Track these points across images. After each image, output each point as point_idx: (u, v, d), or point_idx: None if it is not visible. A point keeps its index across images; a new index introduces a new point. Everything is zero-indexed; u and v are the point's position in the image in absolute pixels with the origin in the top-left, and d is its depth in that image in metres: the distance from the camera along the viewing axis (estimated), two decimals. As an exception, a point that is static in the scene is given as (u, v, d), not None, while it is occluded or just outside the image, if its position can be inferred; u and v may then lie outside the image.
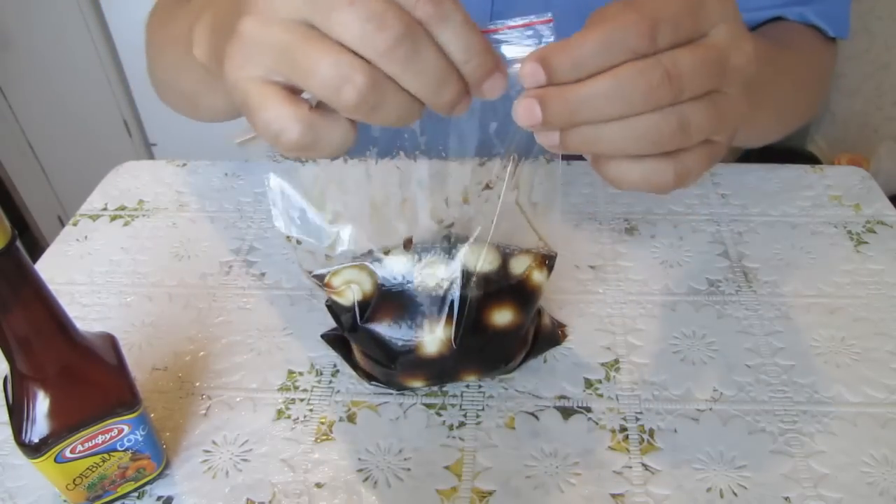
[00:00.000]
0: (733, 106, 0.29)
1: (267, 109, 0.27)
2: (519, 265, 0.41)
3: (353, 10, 0.25)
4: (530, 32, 0.30)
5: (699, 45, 0.28)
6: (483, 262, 0.40)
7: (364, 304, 0.40)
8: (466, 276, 0.39)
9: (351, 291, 0.40)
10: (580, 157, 0.59)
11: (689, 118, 0.28)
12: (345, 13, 0.25)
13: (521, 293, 0.41)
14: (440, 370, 0.42)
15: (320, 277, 0.40)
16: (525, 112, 0.28)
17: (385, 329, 0.40)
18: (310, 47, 0.26)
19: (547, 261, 0.41)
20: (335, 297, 0.40)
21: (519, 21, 0.30)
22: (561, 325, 0.47)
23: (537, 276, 0.41)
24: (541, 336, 0.45)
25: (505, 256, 0.40)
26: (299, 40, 0.26)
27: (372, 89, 0.26)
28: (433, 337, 0.39)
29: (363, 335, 0.40)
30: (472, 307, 0.39)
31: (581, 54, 0.27)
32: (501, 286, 0.40)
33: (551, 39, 0.30)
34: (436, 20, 0.26)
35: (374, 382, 0.44)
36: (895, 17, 1.33)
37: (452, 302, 0.39)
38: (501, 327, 0.40)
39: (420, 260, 0.40)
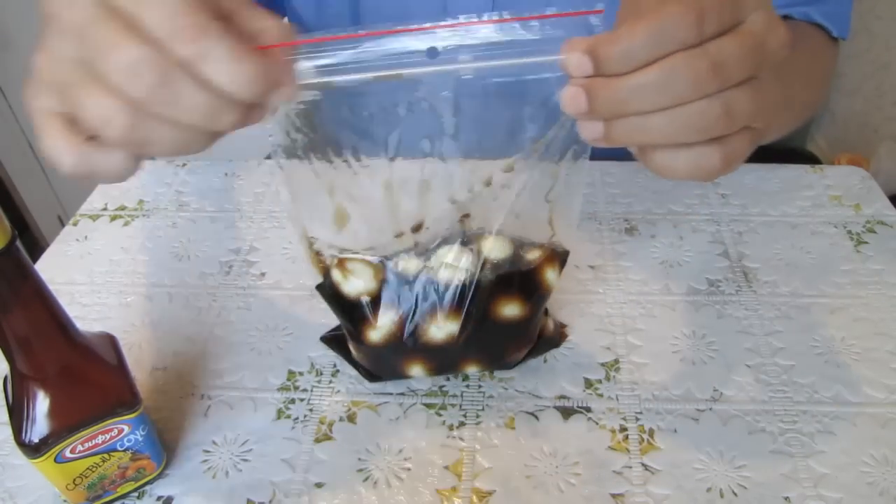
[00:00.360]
0: (771, 91, 0.30)
1: (46, 138, 0.29)
2: (531, 258, 0.40)
3: (113, 57, 0.26)
4: (579, 21, 0.30)
5: (740, 33, 0.28)
6: (496, 251, 0.40)
7: (372, 301, 0.40)
8: (479, 264, 0.39)
9: (361, 282, 0.40)
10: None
11: (733, 104, 0.28)
12: (107, 60, 0.26)
13: (531, 286, 0.41)
14: (442, 359, 0.42)
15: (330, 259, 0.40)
16: (572, 101, 0.28)
17: (391, 317, 0.40)
18: (80, 87, 0.27)
19: (559, 257, 0.41)
20: (341, 282, 0.40)
21: (568, 10, 0.30)
22: (562, 326, 0.47)
23: (549, 272, 0.41)
24: (544, 336, 0.45)
25: (517, 249, 0.40)
26: (75, 79, 0.27)
27: (133, 129, 0.27)
28: (439, 324, 0.40)
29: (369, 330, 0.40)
30: (482, 297, 0.39)
31: (631, 47, 0.27)
32: (512, 278, 0.40)
33: (600, 30, 0.30)
34: (195, 60, 0.26)
35: (374, 380, 0.44)
36: (895, 17, 1.33)
37: (463, 290, 0.39)
38: (509, 319, 0.40)
39: (429, 259, 0.39)
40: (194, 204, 0.60)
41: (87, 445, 0.35)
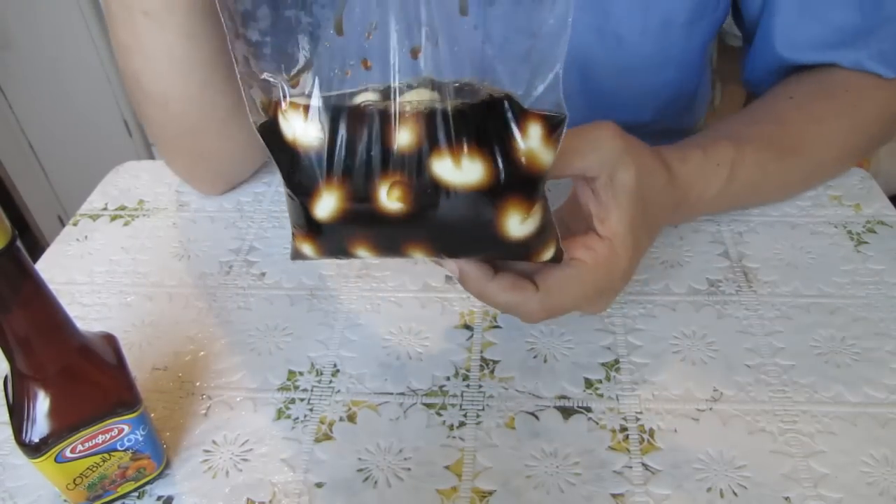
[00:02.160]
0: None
1: None
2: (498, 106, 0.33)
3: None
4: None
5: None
6: (463, 94, 0.32)
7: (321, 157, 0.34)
8: (446, 104, 0.32)
9: (311, 128, 0.33)
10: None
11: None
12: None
13: (500, 149, 0.33)
14: (385, 235, 0.36)
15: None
16: (451, 271, 0.40)
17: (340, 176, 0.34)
18: None
19: (550, 122, 0.33)
20: (290, 126, 0.34)
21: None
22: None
23: (534, 134, 0.33)
24: (544, 230, 0.36)
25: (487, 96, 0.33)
26: None
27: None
28: (381, 189, 0.34)
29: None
30: (434, 150, 0.33)
31: (484, 296, 0.40)
32: (478, 135, 0.32)
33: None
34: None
35: (305, 251, 0.38)
36: None
37: (413, 146, 0.33)
38: (468, 184, 0.33)
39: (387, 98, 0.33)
40: (194, 204, 0.60)
41: (87, 445, 0.35)
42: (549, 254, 0.37)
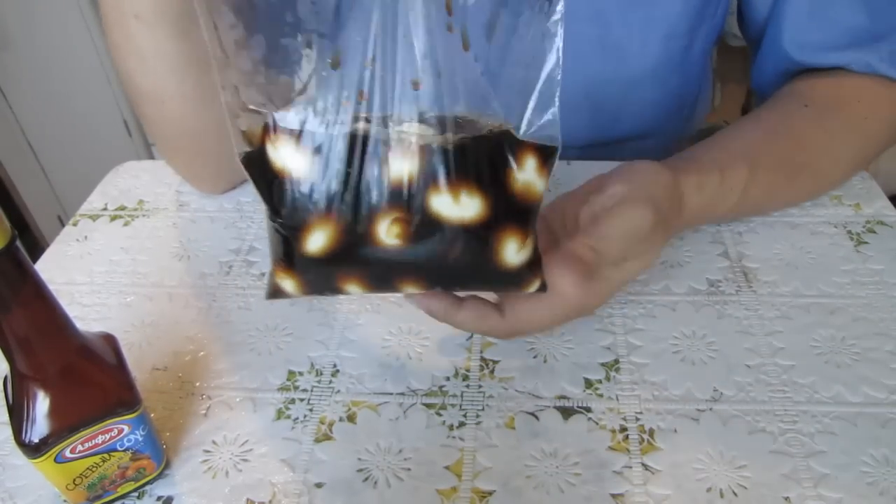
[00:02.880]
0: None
1: None
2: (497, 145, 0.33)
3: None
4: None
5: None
6: (459, 129, 0.32)
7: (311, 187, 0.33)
8: (434, 149, 0.32)
9: (302, 158, 0.33)
10: (580, 157, 0.59)
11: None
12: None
13: (497, 182, 0.33)
14: (379, 270, 0.35)
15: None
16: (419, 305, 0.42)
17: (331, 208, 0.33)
18: None
19: (543, 153, 0.33)
20: (280, 156, 0.33)
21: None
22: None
23: (529, 166, 0.33)
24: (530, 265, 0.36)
25: (481, 131, 0.33)
26: None
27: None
28: (379, 224, 0.33)
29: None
30: (432, 184, 0.32)
31: (453, 324, 0.42)
32: (473, 167, 0.32)
33: None
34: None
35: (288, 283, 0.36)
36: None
37: (412, 181, 0.32)
38: (464, 220, 0.33)
39: (384, 128, 0.32)
40: (194, 204, 0.60)
41: (87, 445, 0.35)
42: (536, 284, 0.37)
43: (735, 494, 0.38)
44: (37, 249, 1.62)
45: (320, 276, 0.36)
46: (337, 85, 0.32)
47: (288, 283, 0.36)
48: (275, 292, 0.37)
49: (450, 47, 0.31)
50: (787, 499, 0.37)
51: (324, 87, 0.32)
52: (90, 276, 0.54)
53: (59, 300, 0.33)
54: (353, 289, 0.36)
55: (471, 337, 0.47)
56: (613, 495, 0.38)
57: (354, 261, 0.35)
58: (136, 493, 0.40)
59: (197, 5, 0.31)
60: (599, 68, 0.59)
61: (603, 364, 0.45)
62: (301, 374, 0.45)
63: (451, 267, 0.35)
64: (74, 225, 0.59)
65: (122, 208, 0.61)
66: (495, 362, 0.45)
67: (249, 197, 0.61)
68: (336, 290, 0.37)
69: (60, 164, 1.64)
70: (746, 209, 0.53)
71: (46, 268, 0.55)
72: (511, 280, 0.36)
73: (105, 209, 0.61)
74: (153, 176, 0.64)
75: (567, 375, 0.44)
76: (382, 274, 0.36)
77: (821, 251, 0.52)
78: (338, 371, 0.45)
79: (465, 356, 0.46)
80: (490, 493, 0.38)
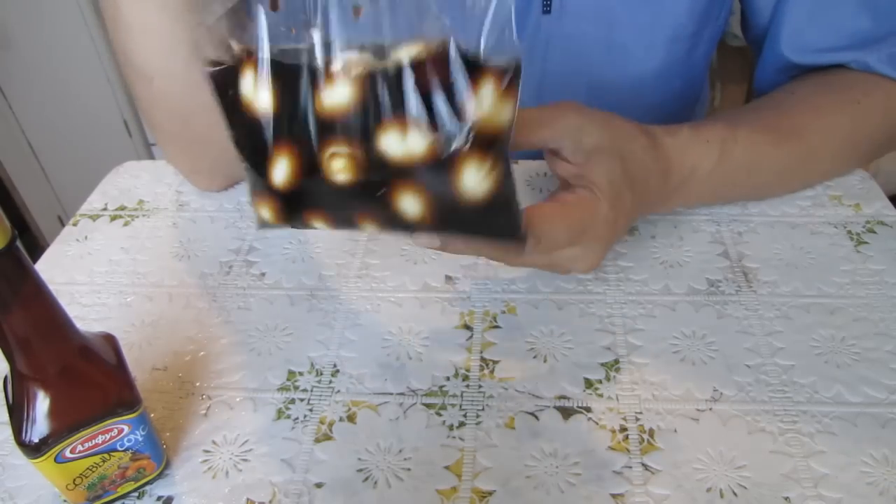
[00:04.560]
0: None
1: None
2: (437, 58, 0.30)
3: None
4: None
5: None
6: (416, 51, 0.30)
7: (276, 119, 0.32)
8: (390, 72, 0.30)
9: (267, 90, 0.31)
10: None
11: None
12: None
13: (451, 98, 0.30)
14: (336, 206, 0.34)
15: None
16: (426, 243, 0.38)
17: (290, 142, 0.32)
18: None
19: (504, 73, 0.30)
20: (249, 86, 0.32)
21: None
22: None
23: (486, 90, 0.30)
24: (495, 205, 0.33)
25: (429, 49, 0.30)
26: None
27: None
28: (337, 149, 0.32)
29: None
30: (378, 115, 0.31)
31: (473, 249, 0.41)
32: (423, 83, 0.30)
33: None
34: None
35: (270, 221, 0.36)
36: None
37: (371, 108, 0.30)
38: (419, 149, 0.31)
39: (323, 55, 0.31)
40: (194, 204, 0.60)
41: (87, 445, 0.35)
42: (511, 229, 0.35)
43: (735, 494, 0.38)
44: (37, 249, 1.62)
45: (288, 207, 0.35)
46: (285, 13, 0.31)
47: (265, 212, 0.36)
48: (261, 222, 0.37)
49: None
50: (787, 499, 0.37)
51: (274, 16, 0.31)
52: (90, 276, 0.54)
53: (59, 300, 0.33)
54: (319, 224, 0.35)
55: (471, 337, 0.47)
56: (613, 495, 0.38)
57: (312, 195, 0.34)
58: (136, 493, 0.40)
59: None
60: (603, 69, 0.59)
61: (603, 364, 0.45)
62: (301, 374, 0.45)
63: (410, 202, 0.33)
64: (74, 225, 0.59)
65: (122, 208, 0.61)
66: (495, 362, 0.45)
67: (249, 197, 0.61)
68: (305, 224, 0.36)
69: (60, 164, 1.64)
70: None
71: (46, 268, 0.55)
72: (476, 216, 0.33)
73: (105, 209, 0.61)
74: (153, 176, 0.64)
75: (567, 375, 0.44)
76: (341, 210, 0.34)
77: (821, 251, 0.52)
78: (338, 371, 0.45)
79: (465, 356, 0.46)
80: (490, 494, 0.38)
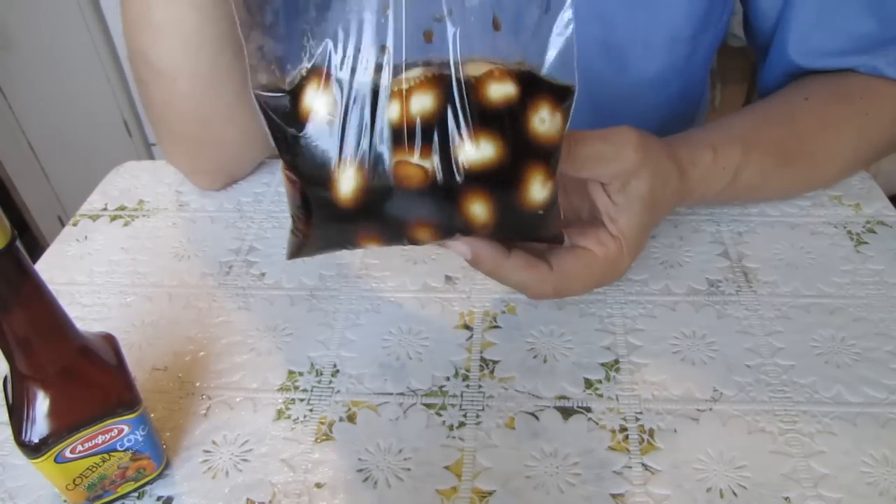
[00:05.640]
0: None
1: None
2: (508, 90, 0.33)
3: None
4: None
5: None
6: (478, 70, 0.32)
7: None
8: (459, 85, 0.33)
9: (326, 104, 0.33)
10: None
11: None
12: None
13: (514, 126, 0.33)
14: (396, 218, 0.36)
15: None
16: (460, 251, 0.41)
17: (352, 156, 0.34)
18: None
19: (560, 95, 0.34)
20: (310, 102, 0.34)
21: None
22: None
23: (544, 111, 0.34)
24: (547, 218, 0.37)
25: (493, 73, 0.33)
26: None
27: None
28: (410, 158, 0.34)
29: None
30: (449, 128, 0.33)
31: (499, 274, 0.42)
32: (495, 112, 0.33)
33: None
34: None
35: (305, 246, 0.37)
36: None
37: (428, 125, 0.33)
38: (480, 164, 0.33)
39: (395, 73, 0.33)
40: (194, 204, 0.60)
41: (87, 445, 0.35)
42: (554, 232, 0.39)
43: (735, 494, 0.38)
44: (37, 249, 1.63)
45: (338, 228, 0.37)
46: (355, 37, 0.33)
47: (306, 239, 0.37)
48: (296, 250, 0.38)
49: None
50: (787, 499, 0.37)
51: (342, 36, 0.33)
52: (90, 276, 0.54)
53: (59, 300, 0.33)
54: (369, 242, 0.37)
55: (471, 337, 0.47)
56: (613, 495, 0.38)
57: (371, 211, 0.35)
58: (136, 493, 0.40)
59: None
60: (602, 70, 0.59)
61: (603, 364, 0.45)
62: (301, 374, 0.45)
63: (472, 208, 0.35)
64: (74, 225, 0.59)
65: (122, 208, 0.61)
66: (495, 362, 0.45)
67: (249, 197, 0.61)
68: (354, 244, 0.38)
69: (60, 164, 1.64)
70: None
71: (46, 268, 0.55)
72: (532, 222, 0.37)
73: (105, 209, 0.61)
74: (153, 176, 0.64)
75: (567, 375, 0.44)
76: (400, 218, 0.36)
77: (821, 251, 0.52)
78: (338, 371, 0.45)
79: (465, 356, 0.46)
80: (490, 494, 0.38)
